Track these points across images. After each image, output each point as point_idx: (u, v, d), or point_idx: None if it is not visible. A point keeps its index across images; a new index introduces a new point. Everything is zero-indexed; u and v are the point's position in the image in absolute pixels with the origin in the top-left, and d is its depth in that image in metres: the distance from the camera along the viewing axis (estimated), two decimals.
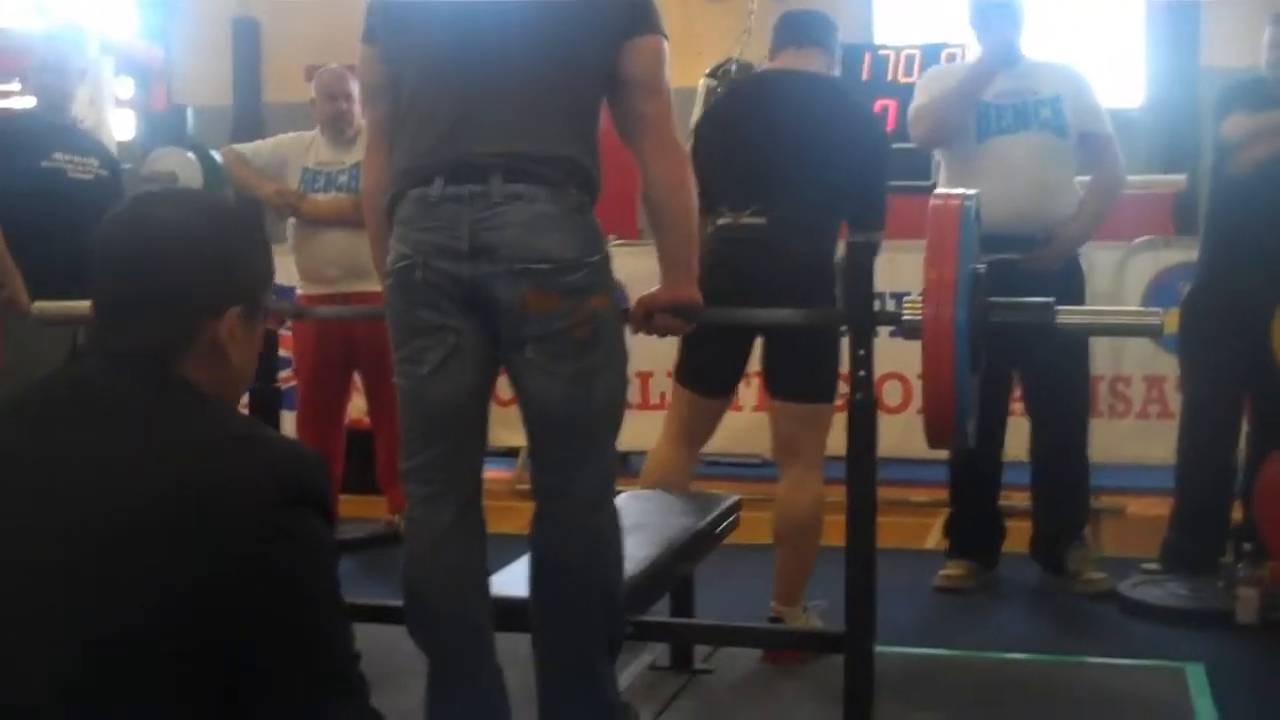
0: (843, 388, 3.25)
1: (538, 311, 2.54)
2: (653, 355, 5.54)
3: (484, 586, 2.73)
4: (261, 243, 1.71)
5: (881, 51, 7.76)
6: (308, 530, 1.49)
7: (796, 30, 3.92)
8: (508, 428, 2.71)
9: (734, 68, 6.49)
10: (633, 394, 5.77)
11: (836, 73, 3.98)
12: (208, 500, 1.42)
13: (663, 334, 2.87)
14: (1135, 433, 5.61)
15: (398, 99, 2.68)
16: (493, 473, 5.50)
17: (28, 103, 5.14)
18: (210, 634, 1.41)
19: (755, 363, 3.77)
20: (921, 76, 4.78)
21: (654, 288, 2.77)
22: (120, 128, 8.17)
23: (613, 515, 2.70)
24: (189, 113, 7.80)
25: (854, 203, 3.73)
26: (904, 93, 7.50)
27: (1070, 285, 4.29)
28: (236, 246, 1.64)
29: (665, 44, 2.66)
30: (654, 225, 2.76)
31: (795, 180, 3.65)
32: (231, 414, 1.59)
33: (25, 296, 4.63)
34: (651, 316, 2.79)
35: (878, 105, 7.65)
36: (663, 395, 5.53)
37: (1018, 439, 4.60)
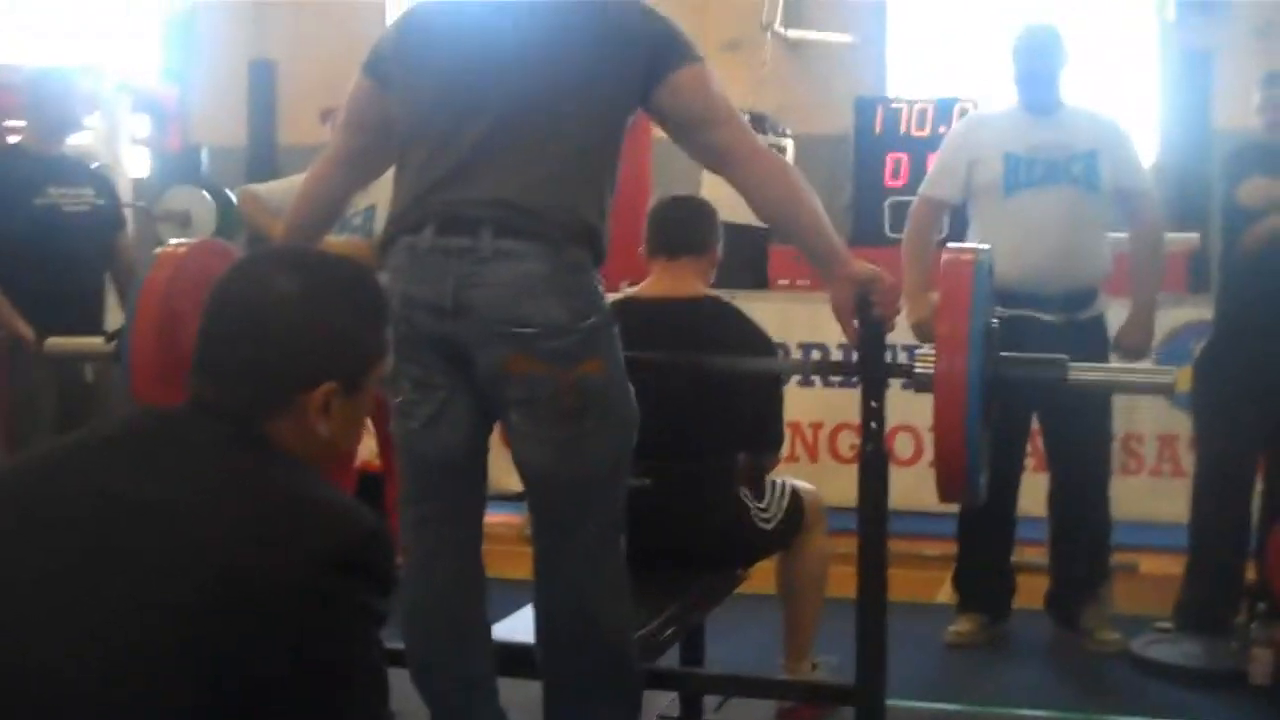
0: (855, 439, 3.22)
1: (519, 375, 2.45)
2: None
3: (484, 638, 2.70)
4: (373, 315, 1.69)
5: (894, 104, 7.77)
6: (353, 597, 1.48)
7: (664, 236, 3.47)
8: (514, 473, 2.67)
9: (748, 119, 6.51)
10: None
11: (716, 261, 3.53)
12: (260, 560, 1.42)
13: (889, 319, 2.70)
14: (1148, 490, 5.58)
15: (389, 138, 2.63)
16: (499, 517, 5.46)
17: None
18: (246, 694, 1.40)
19: None
20: (938, 154, 4.67)
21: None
22: (136, 165, 8.20)
23: (615, 572, 2.62)
24: (204, 152, 7.83)
25: (749, 432, 3.46)
26: (917, 146, 7.55)
27: (1097, 343, 4.28)
28: (343, 322, 1.64)
29: (705, 68, 2.56)
30: (786, 236, 2.70)
31: (683, 432, 3.25)
32: (303, 475, 1.57)
33: (28, 329, 4.63)
34: (868, 315, 2.65)
35: (890, 159, 7.67)
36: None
37: (1032, 493, 4.57)
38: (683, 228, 3.48)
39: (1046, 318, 4.22)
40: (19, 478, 1.58)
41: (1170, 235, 4.94)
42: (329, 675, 1.47)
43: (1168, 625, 4.47)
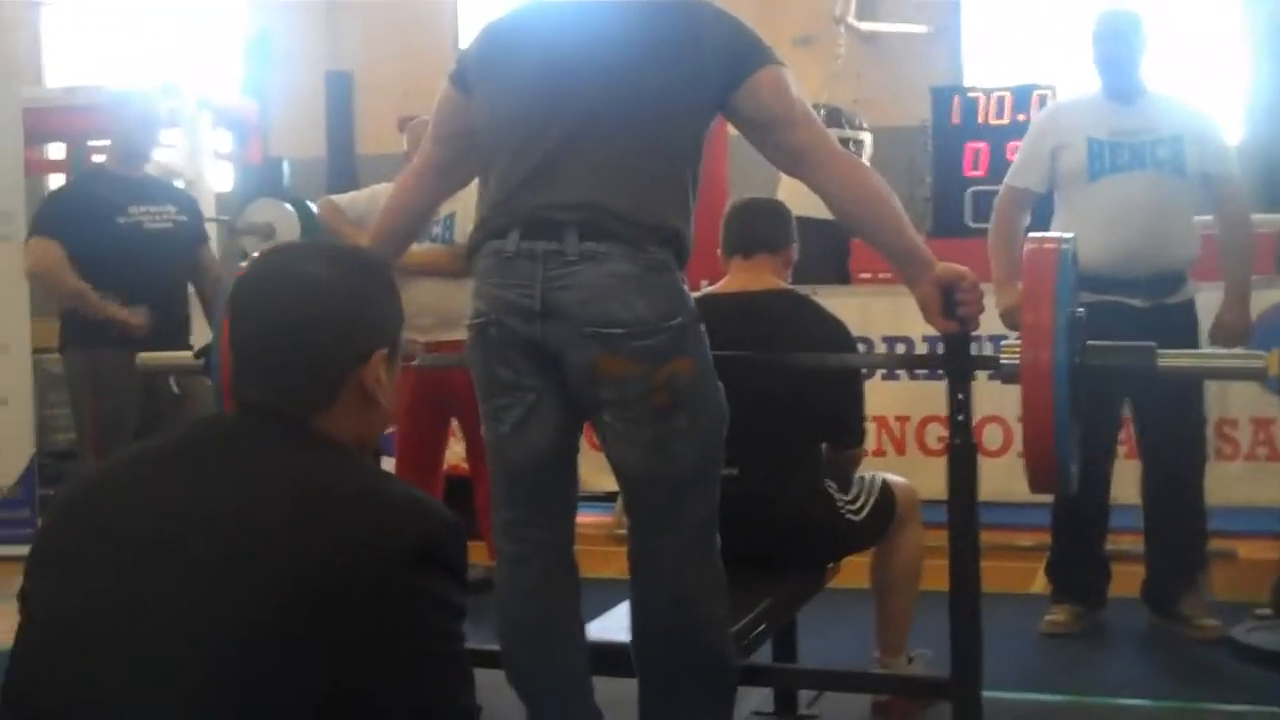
0: (942, 432, 3.20)
1: (610, 376, 2.46)
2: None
3: (577, 639, 2.70)
4: (392, 285, 1.74)
5: (971, 94, 7.73)
6: (434, 590, 1.50)
7: (739, 236, 3.51)
8: (604, 472, 2.68)
9: (823, 112, 6.50)
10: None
11: (792, 260, 3.56)
12: (337, 556, 1.44)
13: (974, 319, 2.66)
14: (1244, 475, 5.50)
15: (471, 146, 2.66)
16: (591, 517, 5.48)
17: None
18: (333, 687, 1.42)
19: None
20: (1021, 143, 4.59)
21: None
22: (219, 180, 8.32)
23: (711, 568, 2.62)
24: (285, 165, 7.93)
25: (829, 426, 3.45)
26: (995, 135, 7.51)
27: (1186, 328, 4.24)
28: (373, 293, 1.68)
29: (783, 71, 2.56)
30: (866, 237, 2.67)
31: (767, 426, 3.24)
32: (369, 471, 1.61)
33: (134, 314, 4.84)
34: (955, 314, 2.62)
35: (969, 149, 7.62)
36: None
37: (1125, 481, 4.53)
38: (757, 227, 3.52)
39: (1135, 303, 4.18)
40: (84, 498, 1.60)
41: (1258, 217, 4.87)
42: (415, 670, 1.48)
43: (1267, 611, 4.41)
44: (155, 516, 1.50)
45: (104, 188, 5.08)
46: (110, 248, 4.95)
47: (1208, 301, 4.41)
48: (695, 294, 2.70)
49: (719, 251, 3.54)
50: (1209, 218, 4.42)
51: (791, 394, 3.30)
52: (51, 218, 5.10)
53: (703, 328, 2.58)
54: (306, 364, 1.61)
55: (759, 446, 3.20)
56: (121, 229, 5.00)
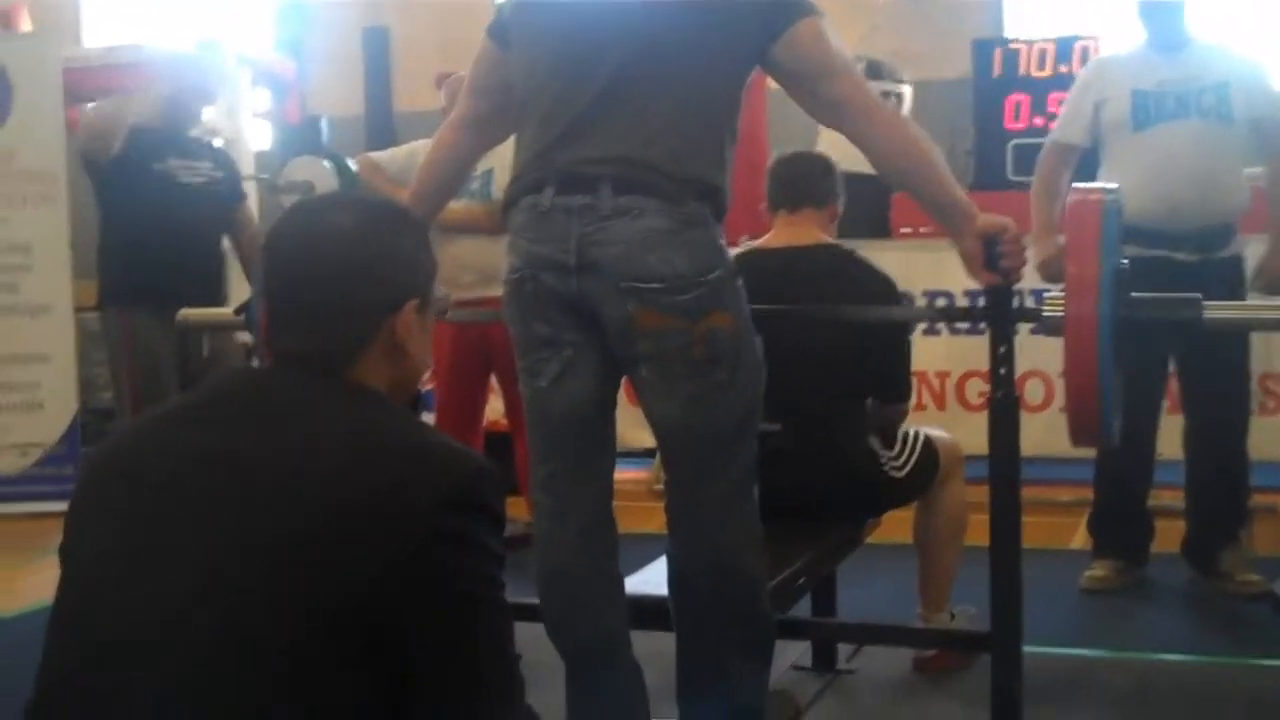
0: (984, 386, 3.19)
1: (647, 330, 2.45)
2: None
3: (617, 594, 2.71)
4: (424, 235, 1.75)
5: (1012, 45, 7.66)
6: (473, 535, 1.51)
7: (784, 190, 3.51)
8: (642, 428, 2.67)
9: (863, 65, 6.44)
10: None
11: (837, 215, 3.58)
12: (378, 504, 1.45)
13: (1016, 271, 2.65)
14: None
15: (509, 101, 2.64)
16: (630, 473, 5.50)
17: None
18: (374, 634, 1.44)
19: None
20: (1066, 98, 4.57)
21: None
22: (257, 139, 8.34)
23: (749, 522, 2.61)
24: (323, 123, 7.93)
25: (875, 381, 3.45)
26: (1037, 87, 7.44)
27: (1233, 283, 4.19)
28: (404, 242, 1.69)
29: (822, 21, 2.53)
30: (906, 190, 2.66)
31: (811, 380, 3.27)
32: (405, 419, 1.62)
33: None
34: (997, 267, 2.60)
35: (1010, 101, 7.55)
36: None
37: (1169, 436, 4.50)
38: (803, 181, 3.51)
39: (1181, 257, 4.13)
40: (121, 450, 1.62)
41: None
42: (455, 616, 1.49)
43: None
44: (194, 462, 1.51)
45: (146, 138, 5.06)
46: (142, 195, 4.96)
47: (1257, 256, 4.35)
48: (738, 249, 2.69)
49: (763, 206, 3.52)
50: (1258, 170, 4.36)
51: (836, 348, 3.30)
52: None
53: (740, 282, 2.56)
54: (338, 313, 1.61)
55: (803, 401, 3.20)
56: (155, 176, 5.00)
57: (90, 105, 5.09)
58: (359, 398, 1.59)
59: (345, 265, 1.62)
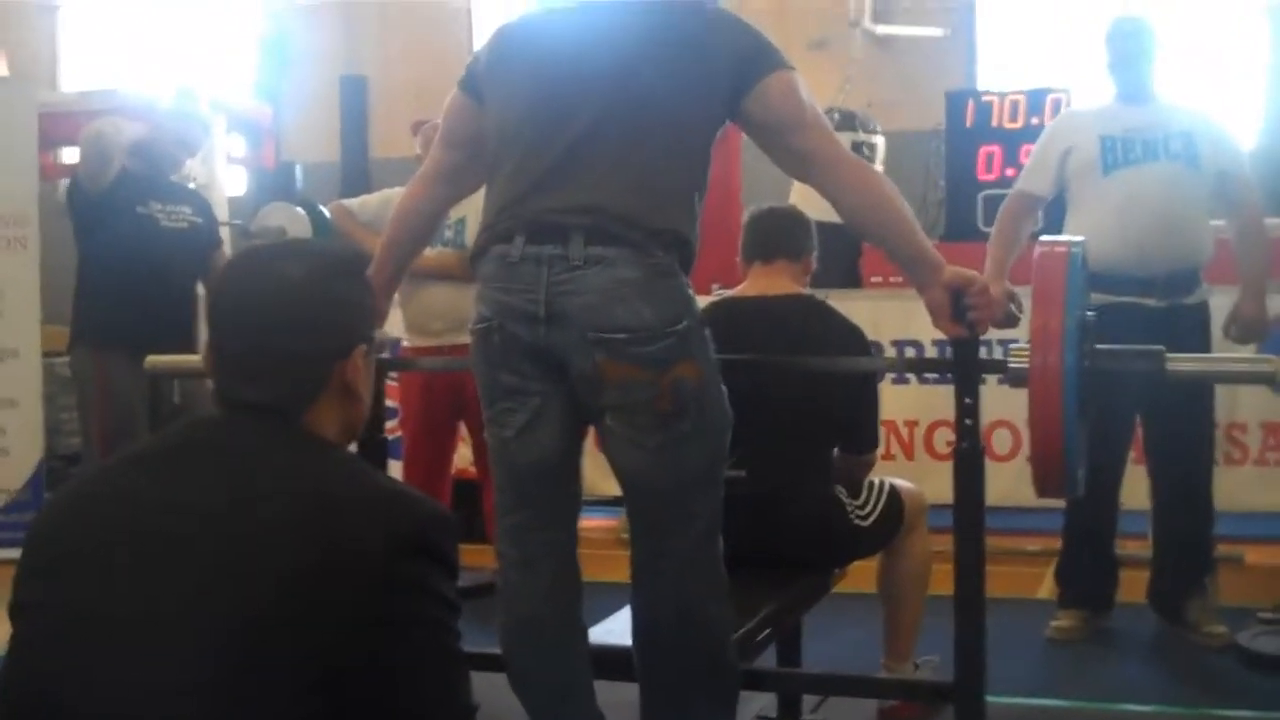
0: (951, 436, 3.20)
1: (615, 380, 2.45)
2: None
3: (580, 644, 2.70)
4: (367, 280, 1.78)
5: (985, 97, 7.69)
6: (426, 582, 1.50)
7: (760, 242, 3.54)
8: (609, 477, 2.67)
9: (836, 116, 6.49)
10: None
11: (811, 269, 3.60)
12: (329, 549, 1.45)
13: (983, 324, 2.64)
14: (1252, 481, 5.47)
15: (481, 152, 2.65)
16: (596, 521, 5.50)
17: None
18: (328, 677, 1.43)
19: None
20: (1034, 149, 4.59)
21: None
22: (232, 184, 8.34)
23: (713, 573, 2.61)
24: (298, 169, 7.95)
25: (844, 430, 3.47)
26: (1009, 139, 7.47)
27: (1199, 330, 4.23)
28: (351, 288, 1.71)
29: (793, 75, 2.55)
30: (874, 241, 2.68)
31: (779, 428, 3.28)
32: (360, 468, 1.62)
33: None
34: (964, 318, 2.60)
35: (983, 152, 7.60)
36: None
37: (1134, 486, 4.51)
38: (780, 233, 3.55)
39: (1150, 303, 4.17)
40: (79, 500, 1.61)
41: (1270, 221, 4.84)
42: (408, 665, 1.48)
43: (1273, 616, 4.39)
44: (151, 513, 1.51)
45: (128, 182, 5.04)
46: (123, 237, 4.94)
47: (1221, 305, 4.39)
48: (713, 297, 2.70)
49: (738, 257, 3.55)
50: (1222, 222, 4.41)
51: (806, 398, 3.31)
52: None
53: (707, 331, 2.57)
54: (289, 365, 1.62)
55: (770, 449, 3.21)
56: (136, 218, 4.99)
57: (88, 127, 5.03)
58: (313, 446, 1.60)
59: (296, 316, 1.63)
